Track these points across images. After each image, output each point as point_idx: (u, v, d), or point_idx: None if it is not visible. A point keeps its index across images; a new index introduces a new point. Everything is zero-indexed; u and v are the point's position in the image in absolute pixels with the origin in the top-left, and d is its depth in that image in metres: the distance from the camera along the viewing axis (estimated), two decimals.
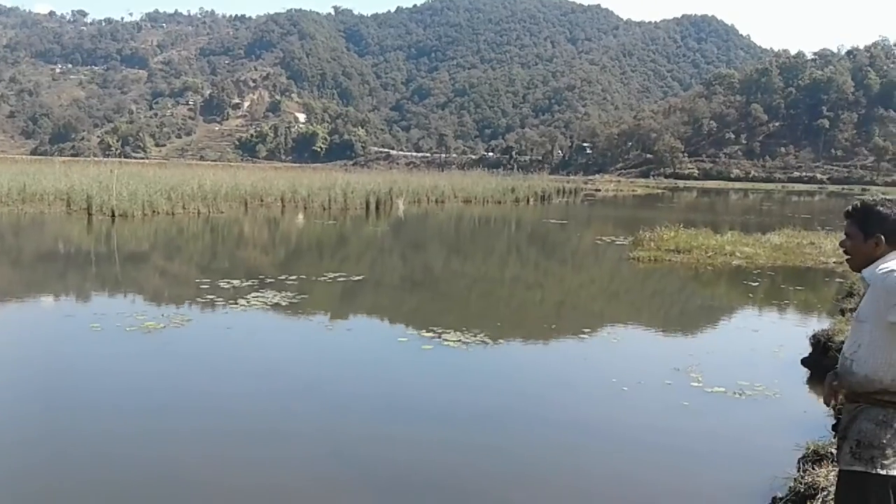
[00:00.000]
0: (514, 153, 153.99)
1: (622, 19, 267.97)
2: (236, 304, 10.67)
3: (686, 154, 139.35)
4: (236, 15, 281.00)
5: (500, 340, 9.39)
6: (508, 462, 5.62)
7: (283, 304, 10.85)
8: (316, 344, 9.32)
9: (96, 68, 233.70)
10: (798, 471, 4.89)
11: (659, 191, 79.46)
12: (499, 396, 7.24)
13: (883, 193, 59.54)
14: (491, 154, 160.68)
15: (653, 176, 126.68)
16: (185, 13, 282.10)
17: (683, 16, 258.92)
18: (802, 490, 4.42)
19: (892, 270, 2.67)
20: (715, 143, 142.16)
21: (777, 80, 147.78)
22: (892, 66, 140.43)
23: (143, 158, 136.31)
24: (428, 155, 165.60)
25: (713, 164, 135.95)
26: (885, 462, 2.67)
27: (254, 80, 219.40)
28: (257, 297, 11.16)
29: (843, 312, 9.76)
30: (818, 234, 21.01)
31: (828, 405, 3.09)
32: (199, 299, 11.09)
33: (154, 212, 23.92)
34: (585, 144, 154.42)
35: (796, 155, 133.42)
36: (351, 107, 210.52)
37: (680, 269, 16.17)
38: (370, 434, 6.05)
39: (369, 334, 10.12)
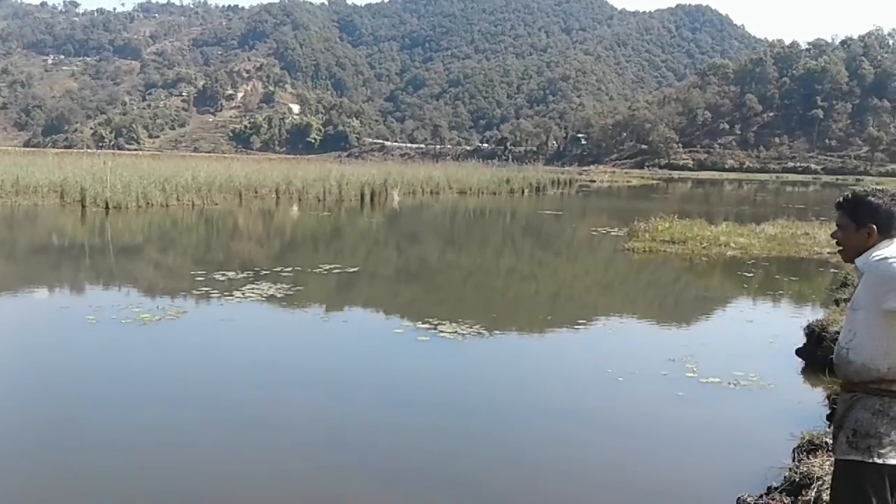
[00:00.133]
0: (508, 144, 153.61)
1: (616, 9, 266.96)
2: (231, 296, 10.66)
3: (680, 144, 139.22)
4: (229, 5, 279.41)
5: (496, 331, 9.40)
6: (504, 452, 5.64)
7: (279, 296, 10.85)
8: (311, 335, 9.32)
9: (89, 59, 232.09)
10: (793, 460, 4.92)
11: (654, 181, 79.51)
12: (494, 387, 7.26)
13: (877, 183, 59.57)
14: (486, 145, 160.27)
15: (647, 167, 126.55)
16: (178, 3, 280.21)
17: (678, 5, 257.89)
18: (797, 480, 4.44)
19: (886, 258, 2.68)
20: (709, 133, 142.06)
21: (771, 71, 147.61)
22: (886, 55, 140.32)
23: (136, 150, 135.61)
24: (423, 146, 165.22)
25: (708, 154, 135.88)
26: (882, 451, 2.68)
27: (247, 71, 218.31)
28: (252, 289, 11.15)
29: (837, 303, 9.79)
30: (812, 225, 21.05)
31: None
32: (194, 291, 11.08)
33: (148, 204, 23.84)
34: (580, 135, 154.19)
35: (790, 145, 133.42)
36: (345, 98, 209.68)
37: (674, 260, 16.20)
38: (366, 424, 6.06)
39: (365, 326, 10.13)
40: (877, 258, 2.72)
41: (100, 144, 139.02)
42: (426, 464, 5.46)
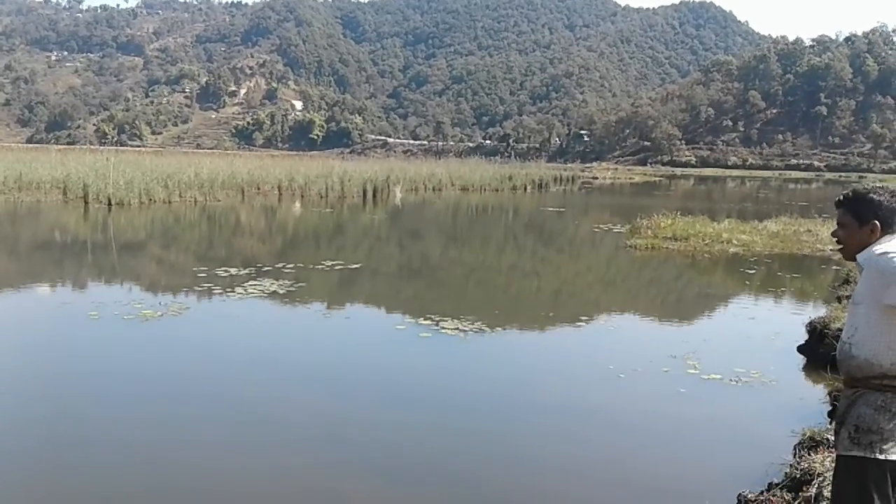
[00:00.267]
0: (511, 141, 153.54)
1: (620, 5, 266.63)
2: (234, 292, 10.67)
3: (683, 141, 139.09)
4: (232, 1, 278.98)
5: (498, 328, 9.39)
6: (505, 448, 5.65)
7: (281, 292, 10.85)
8: (313, 332, 9.33)
9: (92, 56, 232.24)
10: (794, 457, 4.91)
11: (656, 178, 79.40)
12: (496, 383, 7.26)
13: (881, 181, 59.59)
14: (488, 142, 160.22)
15: (650, 163, 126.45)
16: (181, 0, 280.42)
17: (682, 2, 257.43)
18: (798, 476, 4.44)
19: (886, 252, 2.68)
20: (712, 130, 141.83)
21: (775, 67, 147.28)
22: (890, 52, 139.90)
23: (139, 146, 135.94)
24: (425, 143, 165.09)
25: (710, 151, 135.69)
26: (884, 447, 2.68)
27: (250, 68, 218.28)
28: (255, 285, 11.16)
29: (839, 300, 9.78)
30: (815, 222, 21.02)
31: None
32: (196, 287, 11.09)
33: (151, 200, 23.86)
34: (583, 132, 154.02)
35: (793, 142, 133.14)
36: (348, 94, 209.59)
37: (677, 257, 16.19)
38: (368, 420, 6.07)
39: (367, 322, 10.13)
40: (878, 252, 2.72)
41: (103, 141, 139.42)
42: (427, 460, 5.46)
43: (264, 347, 8.28)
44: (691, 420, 6.42)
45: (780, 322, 10.23)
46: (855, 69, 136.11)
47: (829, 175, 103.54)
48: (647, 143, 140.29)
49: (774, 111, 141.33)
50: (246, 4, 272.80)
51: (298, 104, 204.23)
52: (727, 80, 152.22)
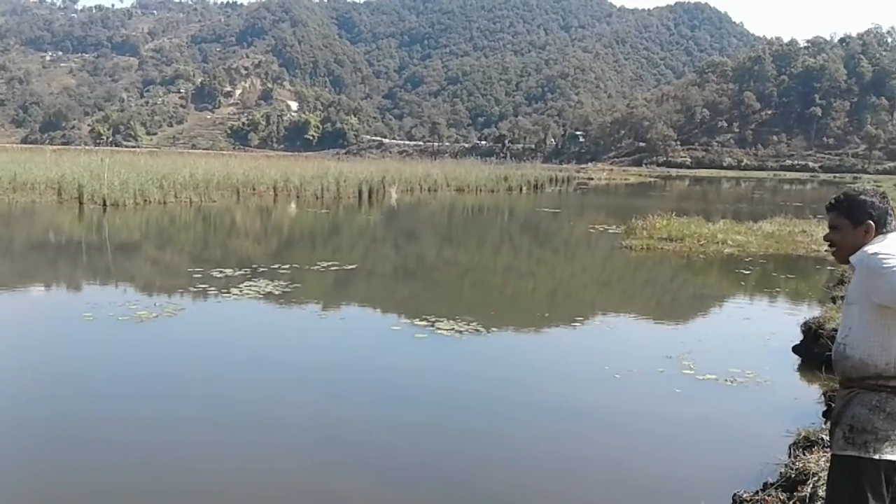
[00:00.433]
0: (506, 141, 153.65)
1: (615, 6, 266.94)
2: (229, 293, 10.66)
3: (678, 142, 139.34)
4: (227, 2, 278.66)
5: (493, 329, 9.40)
6: (500, 449, 5.65)
7: (276, 293, 10.84)
8: (309, 333, 9.32)
9: (87, 56, 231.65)
10: (789, 457, 4.92)
11: (651, 179, 79.52)
12: (491, 384, 7.26)
13: (875, 182, 59.84)
14: (484, 142, 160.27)
15: (645, 164, 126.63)
16: (177, 0, 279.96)
17: (677, 3, 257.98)
18: (793, 476, 4.45)
19: (877, 253, 2.70)
20: (707, 131, 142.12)
21: (770, 68, 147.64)
22: (884, 53, 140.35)
23: (134, 147, 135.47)
24: (421, 143, 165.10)
25: (706, 152, 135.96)
26: (878, 446, 2.69)
27: (245, 68, 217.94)
28: (250, 286, 11.14)
29: (833, 300, 9.81)
30: (810, 223, 21.08)
31: None
32: (191, 289, 11.07)
33: (146, 201, 23.80)
34: (578, 133, 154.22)
35: (788, 143, 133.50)
36: (343, 95, 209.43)
37: (672, 258, 16.21)
38: (364, 420, 6.07)
39: (362, 323, 10.13)
40: (870, 252, 2.74)
41: (97, 141, 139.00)
42: (423, 461, 5.46)
43: (260, 348, 8.27)
44: (686, 420, 6.43)
45: (775, 322, 10.26)
46: (849, 70, 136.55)
47: (823, 176, 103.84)
48: (642, 144, 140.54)
49: (769, 112, 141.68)
50: (241, 5, 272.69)
51: (294, 105, 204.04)
52: (722, 81, 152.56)
